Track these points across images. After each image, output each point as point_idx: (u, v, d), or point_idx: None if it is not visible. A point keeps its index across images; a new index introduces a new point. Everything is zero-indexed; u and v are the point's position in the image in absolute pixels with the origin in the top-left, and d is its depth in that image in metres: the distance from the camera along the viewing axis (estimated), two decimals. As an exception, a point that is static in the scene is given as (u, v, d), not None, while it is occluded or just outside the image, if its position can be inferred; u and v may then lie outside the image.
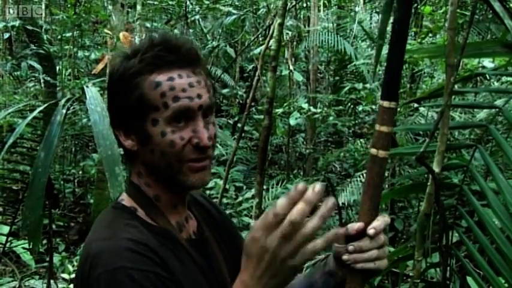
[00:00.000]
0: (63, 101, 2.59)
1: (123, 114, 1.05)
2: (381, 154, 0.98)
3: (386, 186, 4.96)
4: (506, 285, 1.83)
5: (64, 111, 2.50)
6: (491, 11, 1.94)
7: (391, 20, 0.99)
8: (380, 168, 0.98)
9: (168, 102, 1.00)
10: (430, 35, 6.54)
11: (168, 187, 1.07)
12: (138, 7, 8.07)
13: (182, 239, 1.07)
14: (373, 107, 6.83)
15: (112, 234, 0.98)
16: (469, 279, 2.35)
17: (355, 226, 0.99)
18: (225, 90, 9.31)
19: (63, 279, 4.26)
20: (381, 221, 0.98)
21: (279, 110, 6.20)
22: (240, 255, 1.20)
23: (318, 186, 0.83)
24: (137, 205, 1.07)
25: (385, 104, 0.96)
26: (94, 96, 2.47)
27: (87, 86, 2.60)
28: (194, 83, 1.02)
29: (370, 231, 0.96)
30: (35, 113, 2.69)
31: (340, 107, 7.69)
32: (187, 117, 1.01)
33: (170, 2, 8.43)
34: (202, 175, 1.05)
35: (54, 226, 5.12)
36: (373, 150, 0.98)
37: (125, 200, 1.09)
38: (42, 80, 7.20)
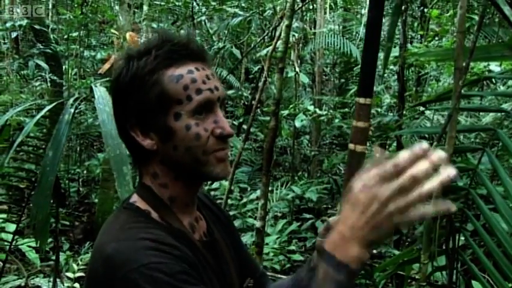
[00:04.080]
0: (71, 100, 2.59)
1: (141, 113, 1.04)
2: (358, 149, 1.02)
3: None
4: (513, 289, 1.82)
5: (72, 110, 2.50)
6: (498, 15, 1.94)
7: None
8: (358, 163, 1.02)
9: (191, 94, 1.01)
10: (437, 38, 6.54)
11: (186, 185, 1.07)
12: (145, 7, 8.10)
13: (195, 240, 1.07)
14: (378, 109, 6.82)
15: (129, 235, 0.96)
16: (475, 283, 2.33)
17: (336, 218, 1.01)
18: (230, 92, 9.31)
19: (68, 278, 4.26)
20: None
21: (285, 112, 6.21)
22: (238, 259, 1.20)
23: (442, 153, 0.79)
24: (150, 207, 1.05)
25: (361, 100, 0.99)
26: (102, 95, 2.47)
27: (95, 86, 2.60)
28: (210, 76, 1.04)
29: None
30: (43, 112, 2.70)
31: (346, 109, 7.70)
32: (208, 109, 1.03)
33: (177, 3, 8.45)
34: (225, 166, 1.06)
35: (59, 225, 5.14)
36: (351, 145, 1.03)
37: (138, 201, 1.07)
38: (48, 79, 7.23)
